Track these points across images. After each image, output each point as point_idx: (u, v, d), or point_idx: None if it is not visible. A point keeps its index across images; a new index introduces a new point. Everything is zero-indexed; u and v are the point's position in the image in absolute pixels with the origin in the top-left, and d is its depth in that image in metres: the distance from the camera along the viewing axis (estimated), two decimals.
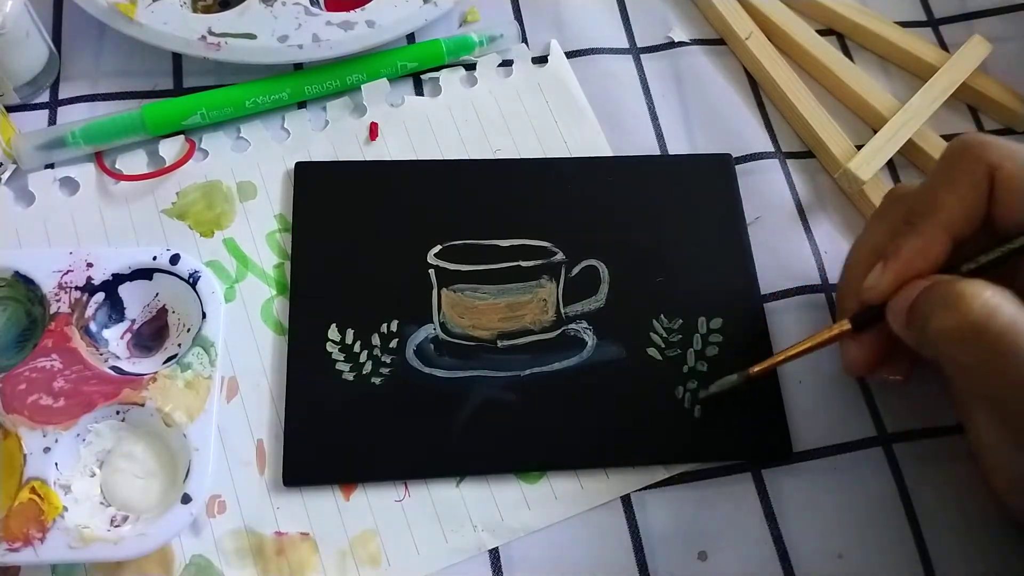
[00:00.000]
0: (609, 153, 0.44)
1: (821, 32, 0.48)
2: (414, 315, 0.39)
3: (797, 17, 0.47)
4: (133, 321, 0.39)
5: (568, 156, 0.43)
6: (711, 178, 0.43)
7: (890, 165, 0.44)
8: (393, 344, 0.38)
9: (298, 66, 0.44)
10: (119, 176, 0.41)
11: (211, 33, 0.42)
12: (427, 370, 0.38)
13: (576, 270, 0.40)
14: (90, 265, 0.38)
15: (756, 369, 0.37)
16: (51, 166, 0.41)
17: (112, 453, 0.36)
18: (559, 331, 0.39)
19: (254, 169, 0.42)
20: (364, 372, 0.38)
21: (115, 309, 0.39)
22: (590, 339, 0.39)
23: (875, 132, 0.44)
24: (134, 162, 0.42)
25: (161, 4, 0.42)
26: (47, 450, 0.34)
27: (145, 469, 0.36)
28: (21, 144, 0.40)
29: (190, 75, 0.44)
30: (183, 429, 0.35)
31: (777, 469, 0.38)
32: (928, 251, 0.32)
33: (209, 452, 0.35)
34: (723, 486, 0.37)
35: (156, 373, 0.36)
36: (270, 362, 0.38)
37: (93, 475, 0.35)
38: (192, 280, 0.38)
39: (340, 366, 0.38)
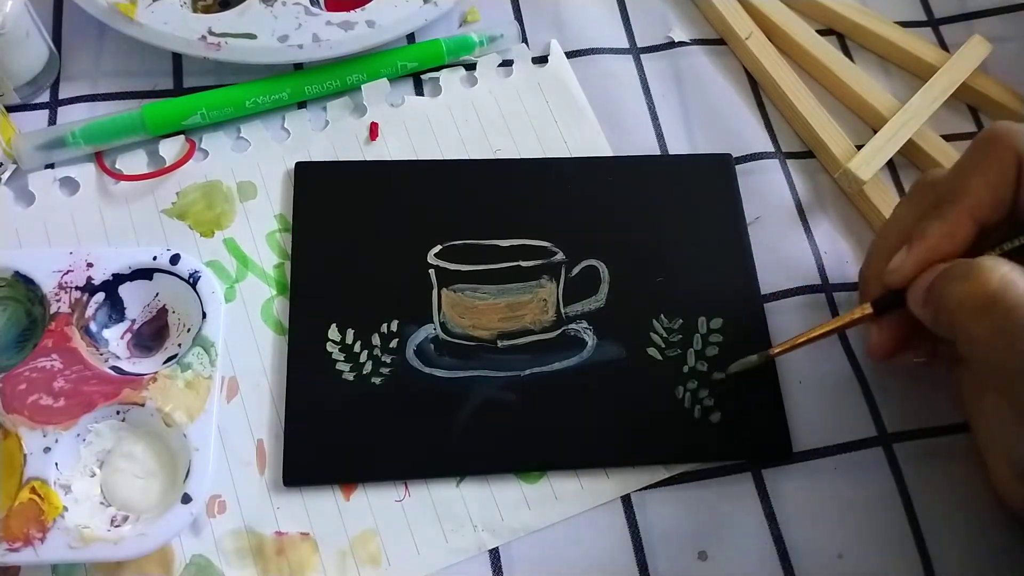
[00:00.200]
0: (609, 153, 0.44)
1: (821, 32, 0.48)
2: (414, 315, 0.39)
3: (797, 17, 0.47)
4: (133, 321, 0.39)
5: (568, 156, 0.43)
6: (711, 178, 0.43)
7: (890, 165, 0.44)
8: (393, 344, 0.38)
9: (298, 66, 0.44)
10: (119, 176, 0.41)
11: (211, 33, 0.41)
12: (427, 370, 0.38)
13: (576, 270, 0.40)
14: (90, 265, 0.38)
15: (776, 350, 0.37)
16: (51, 166, 0.41)
17: (112, 453, 0.36)
18: (559, 331, 0.39)
19: (254, 169, 0.42)
20: (364, 372, 0.38)
21: (115, 309, 0.39)
22: (590, 339, 0.39)
23: (875, 132, 0.44)
24: (134, 162, 0.42)
25: (161, 4, 0.42)
26: (47, 450, 0.34)
27: (145, 469, 0.36)
28: (21, 144, 0.40)
29: (190, 75, 0.44)
30: (183, 429, 0.35)
31: (777, 469, 0.38)
32: (953, 235, 0.33)
33: (209, 452, 0.35)
34: (723, 486, 0.37)
35: (156, 373, 0.36)
36: (270, 362, 0.38)
37: (93, 475, 0.35)
38: (192, 280, 0.38)
39: (340, 366, 0.38)
